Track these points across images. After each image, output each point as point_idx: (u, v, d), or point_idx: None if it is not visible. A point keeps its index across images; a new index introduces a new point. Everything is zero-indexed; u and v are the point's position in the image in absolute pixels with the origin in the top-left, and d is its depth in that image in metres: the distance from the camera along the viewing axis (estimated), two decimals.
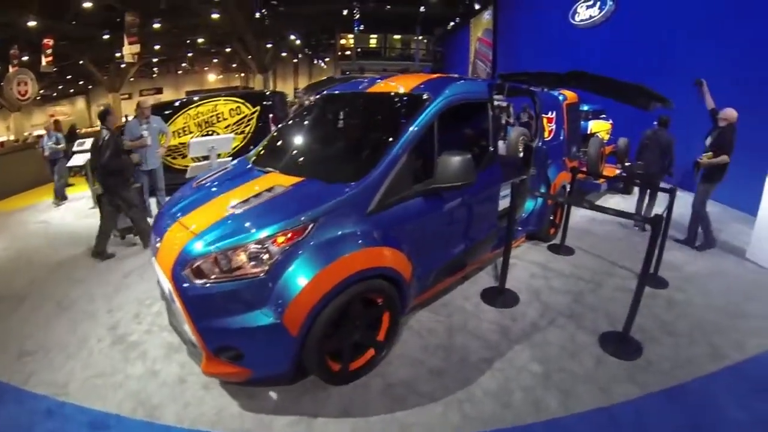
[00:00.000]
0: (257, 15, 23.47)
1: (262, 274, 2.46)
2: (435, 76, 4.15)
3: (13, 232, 6.85)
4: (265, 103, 8.84)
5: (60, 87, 37.04)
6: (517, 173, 4.69)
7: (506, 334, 3.54)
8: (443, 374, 3.05)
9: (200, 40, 29.59)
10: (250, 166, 3.65)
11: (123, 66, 26.53)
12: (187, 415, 2.72)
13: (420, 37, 29.43)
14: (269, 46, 27.89)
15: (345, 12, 24.98)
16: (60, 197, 8.65)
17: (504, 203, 4.35)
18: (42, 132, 8.47)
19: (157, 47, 27.96)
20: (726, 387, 2.97)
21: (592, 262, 4.98)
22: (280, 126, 4.49)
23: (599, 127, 8.65)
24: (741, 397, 2.87)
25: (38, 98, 33.28)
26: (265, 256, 2.50)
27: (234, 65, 40.23)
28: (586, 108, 8.48)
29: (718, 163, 4.99)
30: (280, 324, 2.45)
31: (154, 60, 34.33)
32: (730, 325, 3.73)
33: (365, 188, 2.90)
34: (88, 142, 9.40)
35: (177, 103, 8.66)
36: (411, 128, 3.20)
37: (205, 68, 41.47)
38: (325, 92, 4.54)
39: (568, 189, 5.51)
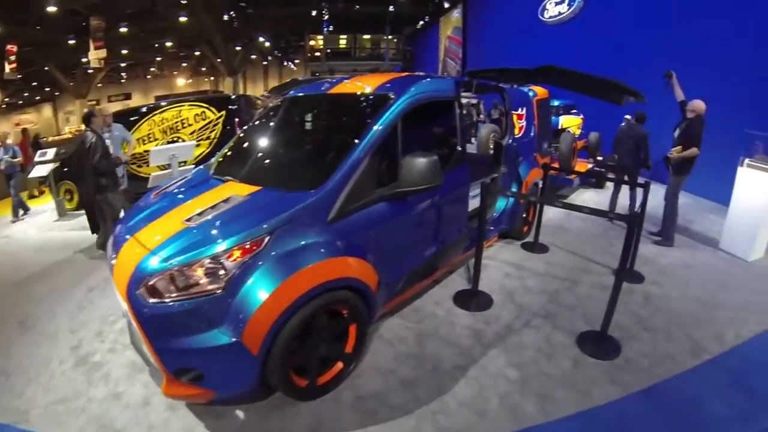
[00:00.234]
0: (225, 17, 23.25)
1: (218, 291, 2.36)
2: (400, 74, 4.07)
3: None
4: (230, 107, 8.57)
5: (26, 94, 35.95)
6: (488, 172, 4.62)
7: (480, 338, 3.43)
8: (415, 384, 2.94)
9: (168, 44, 29.04)
10: (209, 175, 3.52)
11: (90, 72, 25.86)
12: None
13: (390, 37, 29.57)
14: (238, 48, 27.71)
15: (314, 13, 24.80)
16: (22, 210, 8.36)
17: (474, 203, 4.27)
18: None
19: (124, 52, 27.33)
20: (707, 382, 2.94)
21: (567, 259, 4.93)
22: (240, 132, 4.32)
23: (570, 122, 8.67)
24: (722, 391, 2.84)
25: (3, 106, 32.34)
26: (221, 272, 2.39)
27: (203, 69, 39.66)
28: (556, 103, 8.49)
29: (689, 156, 4.98)
30: (240, 342, 2.34)
31: (122, 65, 33.69)
32: (707, 316, 3.73)
33: (324, 195, 2.79)
34: (51, 152, 9.13)
35: (144, 109, 8.38)
36: (373, 130, 3.08)
37: (175, 72, 40.74)
38: (286, 95, 4.40)
39: (540, 186, 5.44)
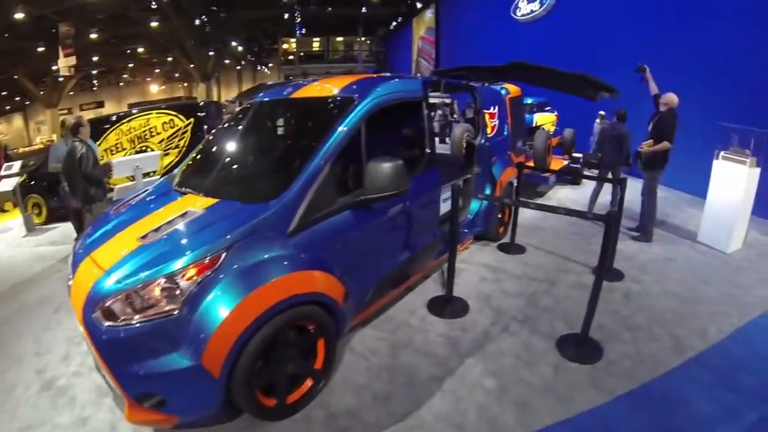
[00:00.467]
0: (197, 22, 22.88)
1: (175, 312, 2.24)
2: (366, 75, 3.94)
3: None
4: (199, 114, 8.36)
5: None
6: (461, 173, 4.51)
7: (456, 347, 3.29)
8: (390, 399, 2.79)
9: (140, 50, 28.65)
10: (170, 187, 3.35)
11: (60, 80, 25.14)
12: None
13: (363, 39, 29.59)
14: (211, 53, 27.42)
15: (286, 16, 24.60)
16: None
17: (446, 206, 4.13)
18: None
19: (95, 58, 26.79)
20: (692, 380, 2.88)
21: (544, 260, 4.84)
22: (201, 142, 4.16)
23: (544, 120, 8.62)
24: (708, 389, 2.78)
25: None
26: (177, 292, 2.28)
27: (177, 75, 39.15)
28: (530, 101, 8.44)
29: (660, 150, 4.94)
30: (200, 366, 2.22)
31: (94, 72, 33.09)
32: (689, 312, 3.70)
33: (283, 206, 2.65)
34: (17, 166, 8.73)
35: (114, 118, 8.13)
36: (334, 135, 2.94)
37: (148, 79, 40.14)
38: (249, 101, 4.23)
39: (515, 185, 5.32)
